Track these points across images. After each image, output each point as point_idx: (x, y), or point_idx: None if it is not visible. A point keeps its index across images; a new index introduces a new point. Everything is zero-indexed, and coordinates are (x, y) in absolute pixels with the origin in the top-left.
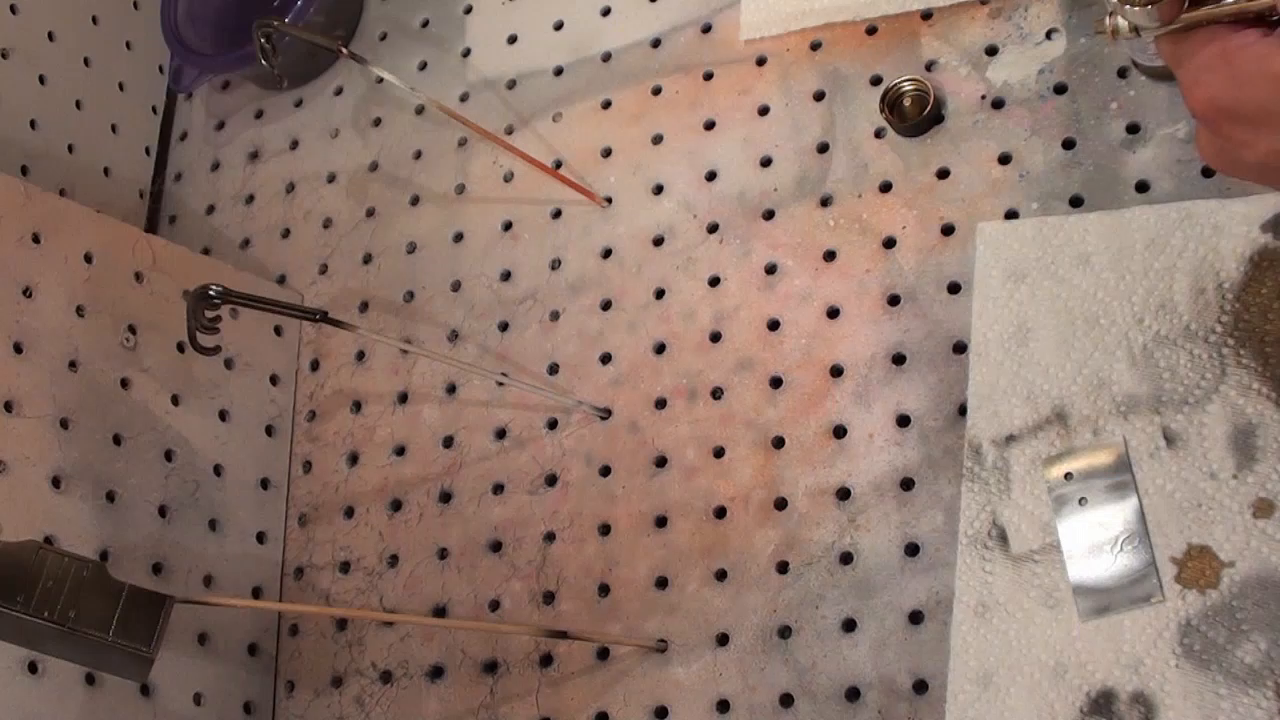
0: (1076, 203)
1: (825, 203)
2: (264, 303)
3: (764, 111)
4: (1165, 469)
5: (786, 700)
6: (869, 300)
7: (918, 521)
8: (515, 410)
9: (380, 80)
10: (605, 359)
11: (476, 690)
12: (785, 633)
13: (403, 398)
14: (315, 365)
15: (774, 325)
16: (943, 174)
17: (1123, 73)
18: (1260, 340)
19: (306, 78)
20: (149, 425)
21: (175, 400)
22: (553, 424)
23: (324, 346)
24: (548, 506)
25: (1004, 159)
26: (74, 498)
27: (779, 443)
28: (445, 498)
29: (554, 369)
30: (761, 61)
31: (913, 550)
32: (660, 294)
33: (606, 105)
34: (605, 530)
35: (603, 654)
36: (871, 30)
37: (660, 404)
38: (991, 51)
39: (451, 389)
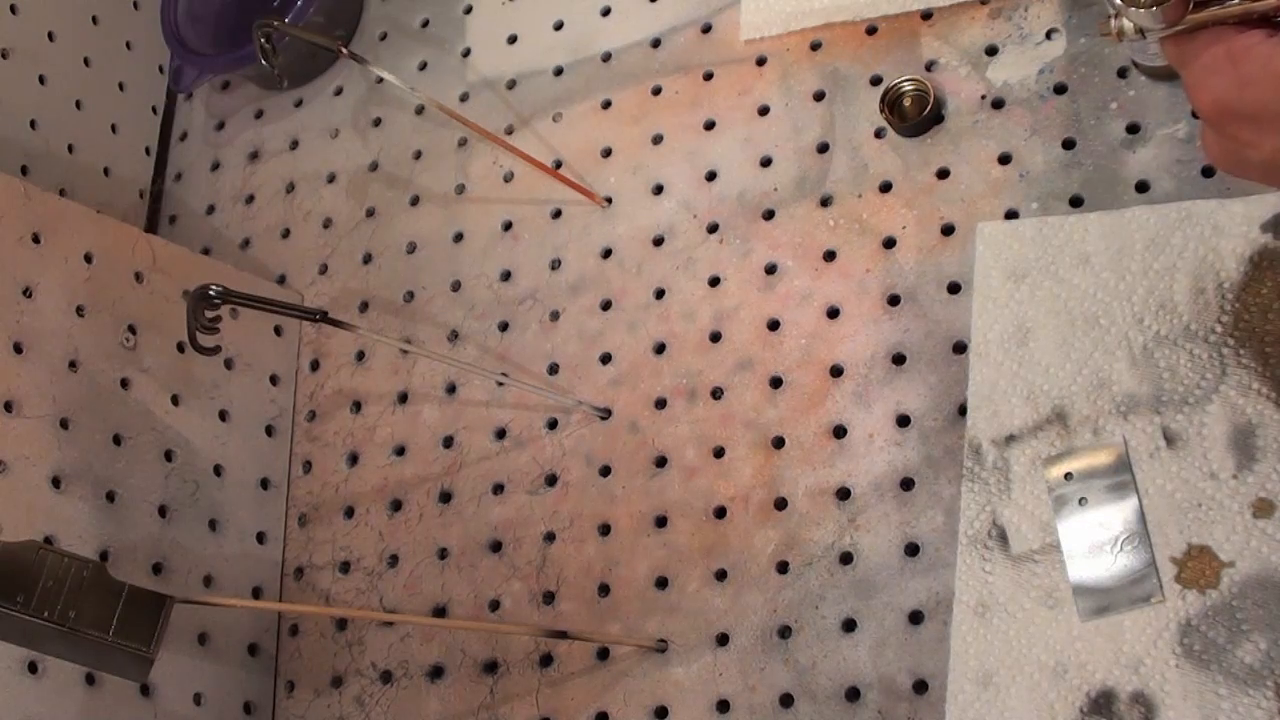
0: (1076, 203)
1: (825, 203)
2: (264, 303)
3: (764, 111)
4: (1165, 469)
5: (786, 700)
6: (869, 300)
7: (918, 521)
8: (515, 410)
9: (380, 80)
10: (605, 359)
11: (476, 690)
12: (785, 633)
13: (403, 398)
14: (315, 365)
15: (774, 325)
16: (943, 174)
17: (1123, 73)
18: (1260, 340)
19: (306, 78)
20: (149, 425)
21: (175, 400)
22: (553, 424)
23: (324, 346)
24: (548, 506)
25: (1004, 159)
26: (74, 498)
27: (779, 443)
28: (445, 498)
29: (554, 369)
30: (761, 61)
31: (913, 550)
32: (660, 294)
33: (606, 105)
34: (605, 530)
35: (603, 654)
36: (871, 30)
37: (660, 404)
38: (991, 51)
39: (451, 389)
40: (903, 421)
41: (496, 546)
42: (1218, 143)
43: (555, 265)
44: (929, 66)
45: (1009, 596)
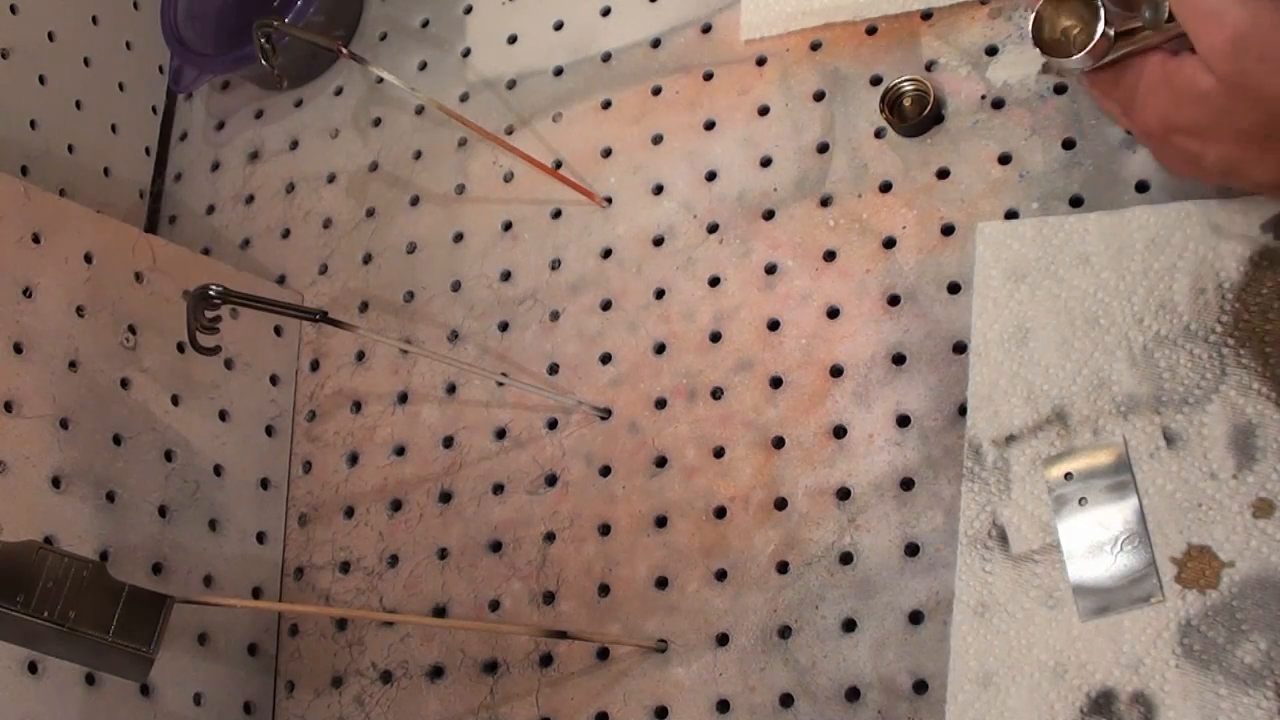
0: (1076, 203)
1: (825, 203)
2: (264, 303)
3: (764, 111)
4: (1165, 469)
5: (786, 700)
6: (869, 300)
7: (918, 521)
8: (515, 410)
9: (380, 80)
10: (605, 359)
11: (476, 690)
12: (785, 633)
13: (403, 398)
14: (315, 365)
15: (774, 325)
16: (943, 174)
17: None
18: (1260, 340)
19: (306, 78)
20: (149, 425)
21: (175, 400)
22: (553, 424)
23: (324, 346)
24: (548, 506)
25: (1004, 159)
26: (74, 498)
27: (779, 443)
28: (445, 498)
29: (554, 369)
30: (761, 61)
31: (913, 550)
32: (660, 294)
33: (606, 105)
34: (605, 530)
35: (603, 654)
36: (871, 30)
37: (660, 404)
38: (991, 51)
39: (451, 389)
40: (903, 421)
41: (496, 546)
42: (1167, 155)
43: (555, 265)
44: (929, 66)
45: (1009, 596)
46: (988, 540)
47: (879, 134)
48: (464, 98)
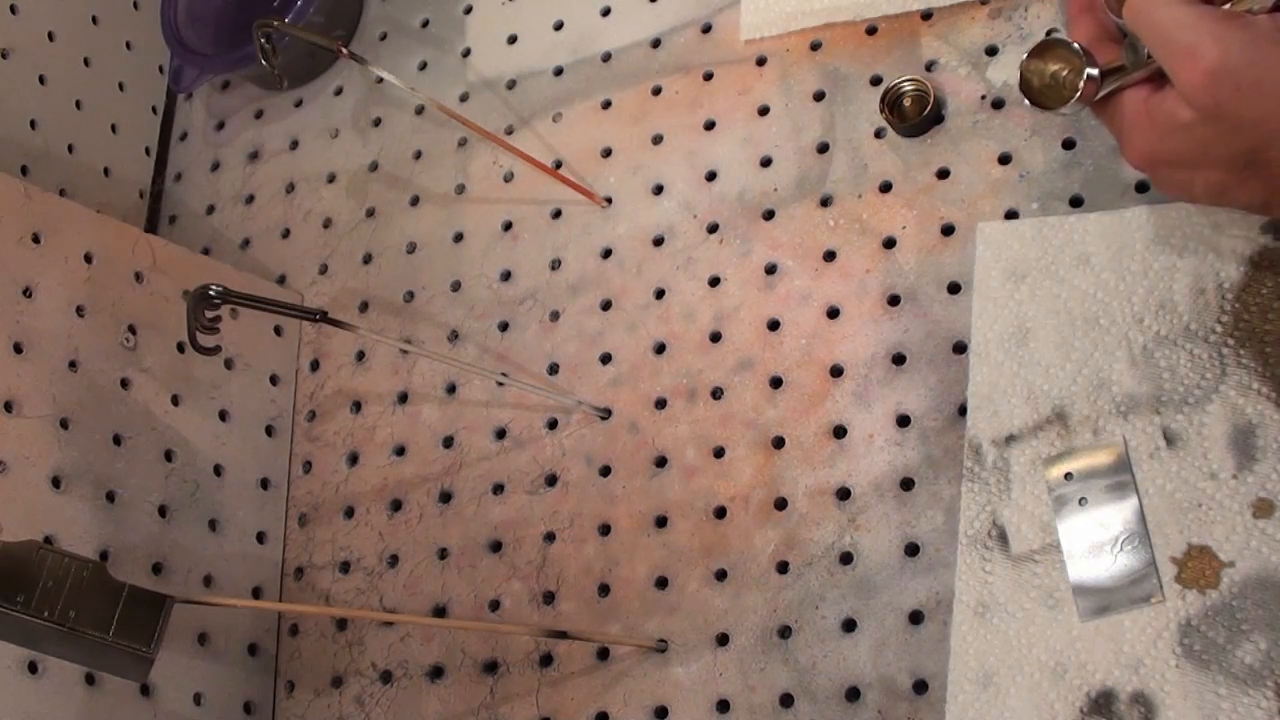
0: (1076, 203)
1: (825, 203)
2: (264, 303)
3: (764, 111)
4: (1165, 469)
5: (786, 700)
6: (869, 300)
7: (918, 521)
8: (515, 410)
9: (380, 80)
10: (605, 359)
11: (476, 690)
12: (785, 633)
13: (403, 398)
14: (315, 365)
15: (774, 325)
16: (943, 174)
17: None
18: (1260, 340)
19: (306, 78)
20: (149, 425)
21: (175, 400)
22: (553, 424)
23: (324, 346)
24: (548, 506)
25: (1004, 159)
26: (74, 498)
27: (779, 443)
28: (445, 498)
29: (554, 369)
30: (761, 61)
31: (913, 550)
32: (660, 294)
33: (606, 105)
34: (605, 530)
35: (603, 654)
36: (871, 30)
37: (660, 404)
38: (991, 51)
39: (451, 389)
40: (903, 421)
41: (496, 546)
42: (1158, 183)
43: (555, 265)
44: (929, 66)
45: (1009, 596)
46: (988, 540)
47: (879, 134)
48: (464, 98)
